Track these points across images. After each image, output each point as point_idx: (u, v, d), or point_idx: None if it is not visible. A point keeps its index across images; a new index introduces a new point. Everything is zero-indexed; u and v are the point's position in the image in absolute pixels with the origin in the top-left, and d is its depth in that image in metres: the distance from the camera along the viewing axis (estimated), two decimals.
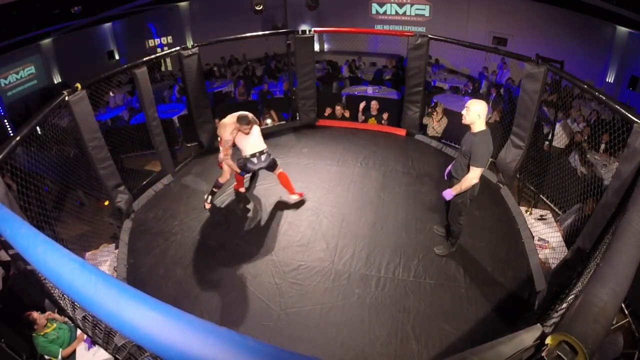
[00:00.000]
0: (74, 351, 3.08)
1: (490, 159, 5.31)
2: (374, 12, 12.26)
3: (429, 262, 3.68)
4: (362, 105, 6.52)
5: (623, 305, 3.17)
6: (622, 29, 8.73)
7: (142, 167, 5.50)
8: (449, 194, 3.27)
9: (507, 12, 10.55)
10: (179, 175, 5.23)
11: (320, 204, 4.48)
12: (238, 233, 4.10)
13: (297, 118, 6.40)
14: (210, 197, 4.49)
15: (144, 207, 4.65)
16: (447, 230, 3.81)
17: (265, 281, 3.52)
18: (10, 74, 10.18)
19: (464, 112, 3.14)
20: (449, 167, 3.47)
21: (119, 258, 3.85)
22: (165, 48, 12.10)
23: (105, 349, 2.39)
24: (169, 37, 12.75)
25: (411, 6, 11.86)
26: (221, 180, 4.39)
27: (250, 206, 4.51)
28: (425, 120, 6.03)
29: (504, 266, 3.64)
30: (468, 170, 3.10)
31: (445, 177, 3.53)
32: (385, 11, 12.16)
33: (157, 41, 12.47)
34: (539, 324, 1.24)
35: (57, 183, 4.53)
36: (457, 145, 5.75)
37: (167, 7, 12.31)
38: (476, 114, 3.06)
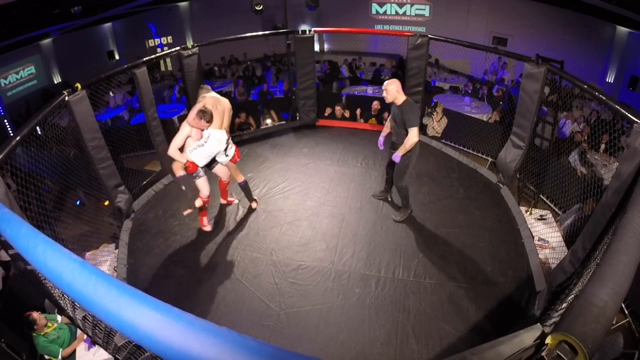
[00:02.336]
0: (74, 351, 3.08)
1: (490, 159, 5.34)
2: (374, 12, 12.25)
3: (429, 262, 3.68)
4: (358, 111, 6.55)
5: (623, 305, 3.17)
6: (622, 29, 8.73)
7: (142, 167, 5.49)
8: (397, 156, 3.73)
9: (507, 12, 10.54)
10: None
11: (320, 204, 4.48)
12: (238, 233, 4.10)
13: (297, 118, 6.40)
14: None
15: (144, 207, 4.65)
16: (400, 197, 4.21)
17: (265, 281, 3.52)
18: (10, 74, 10.18)
19: (384, 94, 3.69)
20: (381, 138, 4.10)
21: (119, 258, 3.85)
22: (165, 48, 12.10)
23: (105, 349, 2.39)
24: (169, 37, 12.74)
25: (411, 6, 11.85)
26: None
27: (250, 206, 4.51)
28: (425, 120, 6.04)
29: (504, 266, 3.64)
30: (406, 134, 3.61)
31: (381, 147, 4.11)
32: (385, 11, 12.15)
33: (157, 41, 12.46)
34: (539, 324, 1.25)
35: (57, 183, 4.53)
36: (457, 145, 5.77)
37: (167, 7, 12.31)
38: (395, 90, 3.63)
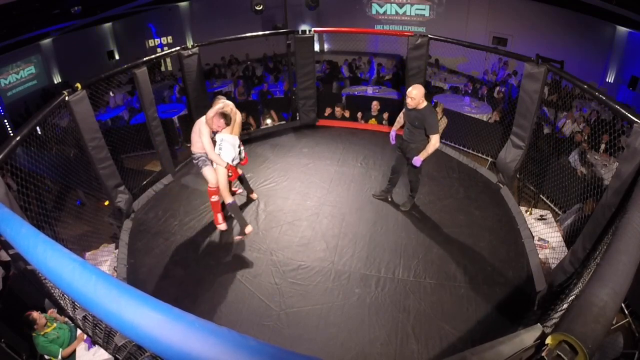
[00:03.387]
0: (74, 351, 3.08)
1: (490, 159, 5.34)
2: (374, 12, 12.26)
3: (429, 262, 3.68)
4: (359, 115, 6.56)
5: (623, 305, 3.17)
6: (622, 29, 8.73)
7: (142, 167, 5.49)
8: (418, 160, 3.79)
9: (507, 12, 10.54)
10: (179, 175, 5.23)
11: (320, 204, 4.48)
12: (238, 233, 4.10)
13: (297, 118, 6.40)
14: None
15: (144, 207, 4.64)
16: (410, 187, 4.33)
17: (265, 281, 3.52)
18: (10, 74, 10.18)
19: (408, 100, 3.71)
20: (393, 133, 4.13)
21: (119, 258, 3.85)
22: (165, 48, 12.09)
23: (105, 349, 2.39)
24: (169, 37, 12.74)
25: (411, 6, 11.85)
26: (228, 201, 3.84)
27: (250, 206, 4.51)
28: None
29: (504, 266, 3.65)
30: (427, 138, 3.72)
31: (392, 141, 4.15)
32: (385, 11, 12.15)
33: (157, 41, 12.45)
34: (539, 324, 1.24)
35: (57, 183, 4.53)
36: (457, 145, 5.77)
37: (167, 7, 12.30)
38: (420, 96, 3.67)
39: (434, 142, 3.68)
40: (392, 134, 4.14)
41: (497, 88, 8.08)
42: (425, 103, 3.71)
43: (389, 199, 4.51)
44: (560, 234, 3.92)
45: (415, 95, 3.66)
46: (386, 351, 2.90)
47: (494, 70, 9.51)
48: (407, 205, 4.37)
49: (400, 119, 4.10)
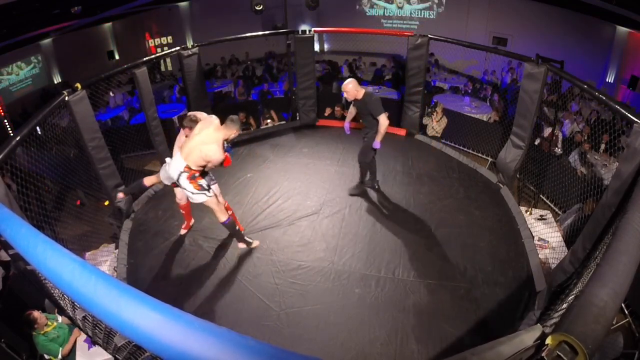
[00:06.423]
0: (74, 351, 3.08)
1: (490, 159, 5.35)
2: (373, 12, 12.27)
3: (429, 262, 3.68)
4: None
5: (623, 305, 3.17)
6: (622, 29, 8.73)
7: (142, 167, 5.49)
8: (377, 144, 4.05)
9: (507, 12, 10.54)
10: None
11: (320, 204, 4.48)
12: None
13: (297, 118, 6.40)
14: None
15: (144, 207, 4.64)
16: (363, 172, 4.55)
17: (265, 281, 3.52)
18: (10, 74, 10.18)
19: (345, 95, 4.06)
20: (347, 124, 4.43)
21: (119, 258, 3.85)
22: (165, 48, 12.08)
23: (105, 349, 2.39)
24: (169, 37, 12.74)
25: (411, 6, 11.86)
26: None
27: (250, 207, 4.51)
28: (425, 120, 6.03)
29: (504, 266, 3.64)
30: (377, 122, 3.95)
31: (347, 132, 4.44)
32: (385, 11, 12.16)
33: (157, 42, 12.46)
34: (539, 324, 1.25)
35: (57, 183, 4.53)
36: (457, 145, 5.77)
37: (167, 7, 12.30)
38: (354, 89, 3.95)
39: (382, 122, 3.88)
40: (346, 125, 4.42)
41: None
42: (363, 91, 3.97)
43: (376, 187, 4.66)
44: (560, 234, 3.92)
45: (350, 89, 3.94)
46: (386, 351, 2.90)
47: (510, 68, 9.43)
48: (369, 183, 4.58)
49: (352, 111, 4.32)
